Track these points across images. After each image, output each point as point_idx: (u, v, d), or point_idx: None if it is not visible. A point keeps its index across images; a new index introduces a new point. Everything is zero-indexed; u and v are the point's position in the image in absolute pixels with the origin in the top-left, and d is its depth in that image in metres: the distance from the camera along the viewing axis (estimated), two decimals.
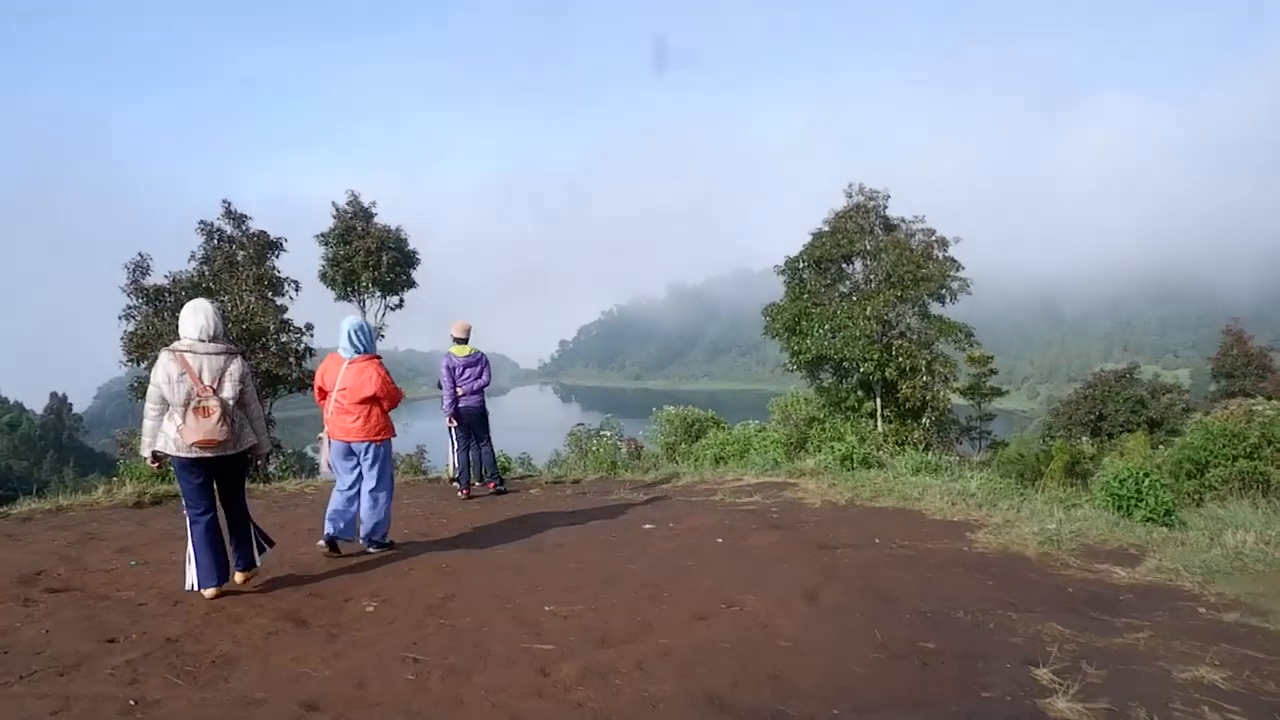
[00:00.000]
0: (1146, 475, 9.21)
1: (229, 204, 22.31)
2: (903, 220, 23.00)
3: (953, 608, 4.66)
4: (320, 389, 6.05)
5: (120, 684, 3.59)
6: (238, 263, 21.53)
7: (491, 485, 9.00)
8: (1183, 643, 4.13)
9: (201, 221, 21.99)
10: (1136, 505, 8.97)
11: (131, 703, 3.40)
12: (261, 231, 22.40)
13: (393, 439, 6.16)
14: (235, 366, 4.83)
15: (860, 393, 22.12)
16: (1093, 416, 29.13)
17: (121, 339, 19.96)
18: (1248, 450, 13.79)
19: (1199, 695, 3.50)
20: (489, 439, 9.03)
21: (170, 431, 4.67)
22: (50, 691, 3.51)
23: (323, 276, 24.43)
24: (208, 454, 4.70)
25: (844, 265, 23.06)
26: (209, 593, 4.82)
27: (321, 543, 5.99)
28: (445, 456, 11.38)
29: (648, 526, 7.07)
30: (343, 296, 24.68)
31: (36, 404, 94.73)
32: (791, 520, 7.31)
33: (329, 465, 6.12)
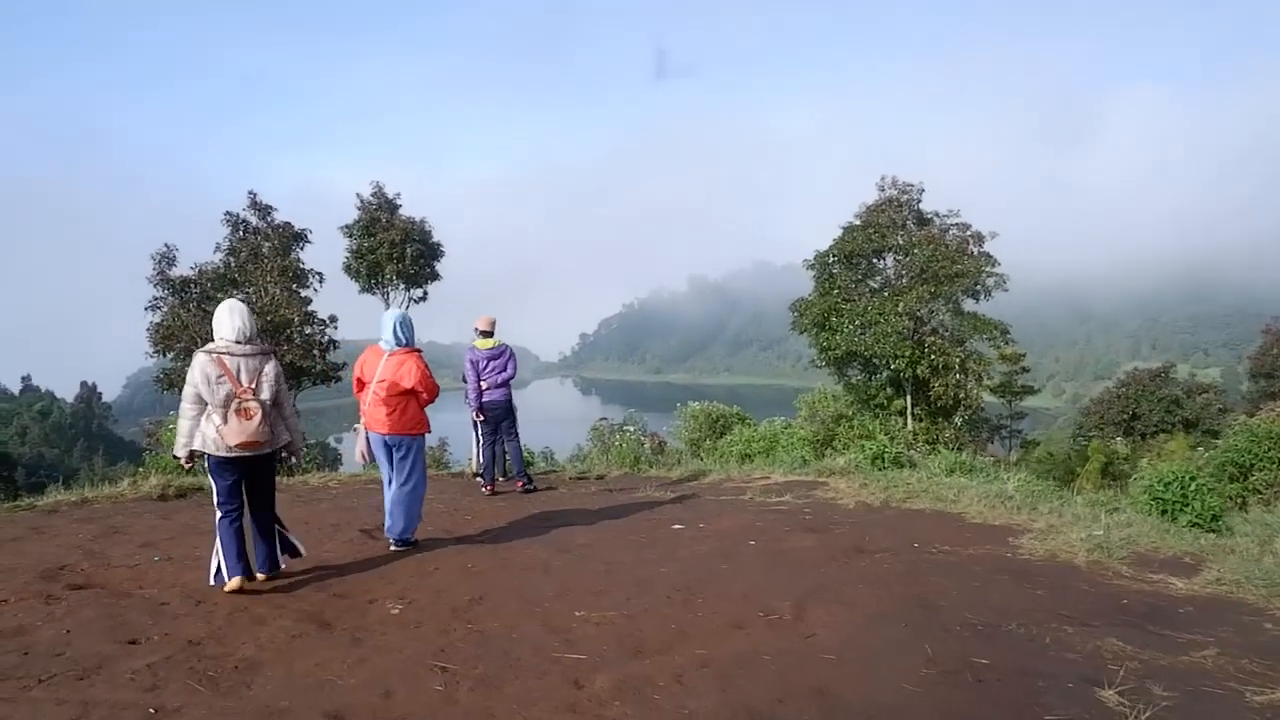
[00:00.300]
0: (1193, 479, 8.95)
1: (255, 195, 22.25)
2: (936, 214, 22.57)
3: (1003, 619, 4.43)
4: (359, 380, 6.04)
5: (140, 689, 3.46)
6: (263, 254, 21.46)
7: (520, 484, 8.82)
8: (1252, 661, 3.89)
9: (227, 213, 21.93)
10: (1182, 510, 8.71)
11: (151, 710, 3.27)
12: (286, 223, 22.32)
13: (428, 434, 6.14)
14: (270, 368, 4.92)
15: (890, 390, 21.74)
16: (1126, 416, 28.51)
17: (147, 330, 19.98)
18: None
19: None
20: (516, 434, 8.86)
21: (210, 432, 4.72)
22: (69, 696, 3.39)
23: (347, 268, 24.31)
24: (247, 454, 4.79)
25: (875, 260, 22.69)
26: (234, 583, 4.81)
27: (393, 546, 5.98)
28: (468, 450, 11.29)
29: (677, 527, 6.88)
30: (367, 289, 24.56)
31: (67, 393, 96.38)
32: (825, 522, 7.09)
33: (363, 456, 6.11)
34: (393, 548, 5.99)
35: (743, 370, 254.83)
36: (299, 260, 22.28)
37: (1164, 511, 8.80)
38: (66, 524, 6.93)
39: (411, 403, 5.92)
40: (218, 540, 4.90)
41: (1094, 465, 18.60)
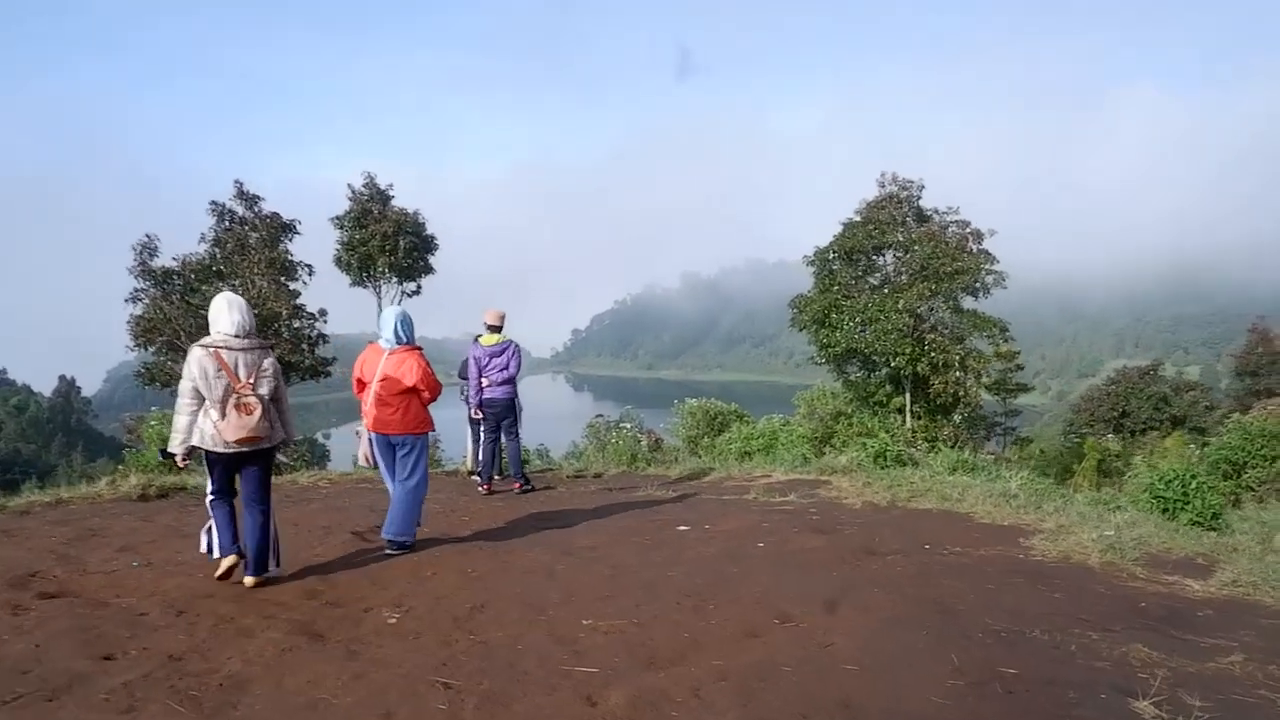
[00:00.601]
0: (1194, 477, 8.84)
1: (241, 184, 21.85)
2: (936, 211, 22.39)
3: (1024, 625, 4.26)
4: (359, 380, 5.92)
5: (116, 711, 3.22)
6: (250, 245, 21.08)
7: (517, 485, 8.59)
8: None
9: (212, 202, 21.50)
10: (1183, 508, 8.60)
11: None
12: (274, 213, 21.92)
13: (431, 432, 6.02)
14: (269, 363, 4.88)
15: (889, 388, 21.58)
16: (1116, 413, 28.55)
17: (128, 323, 19.57)
18: None
19: None
20: (516, 434, 8.61)
21: (207, 428, 4.67)
22: None
23: (337, 261, 23.99)
24: (245, 449, 4.75)
25: (875, 257, 22.51)
26: (227, 561, 4.87)
27: (388, 549, 5.79)
28: (463, 448, 11.05)
29: (682, 528, 6.69)
30: (358, 282, 24.24)
31: (45, 387, 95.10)
32: (832, 522, 6.91)
33: (367, 458, 6.00)
34: (387, 550, 5.77)
35: (735, 367, 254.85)
36: (288, 252, 21.90)
37: (1165, 510, 8.70)
38: (39, 526, 6.64)
39: (414, 401, 5.81)
40: (210, 519, 4.94)
41: (1090, 462, 18.54)
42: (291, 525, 6.48)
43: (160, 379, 19.87)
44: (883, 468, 9.86)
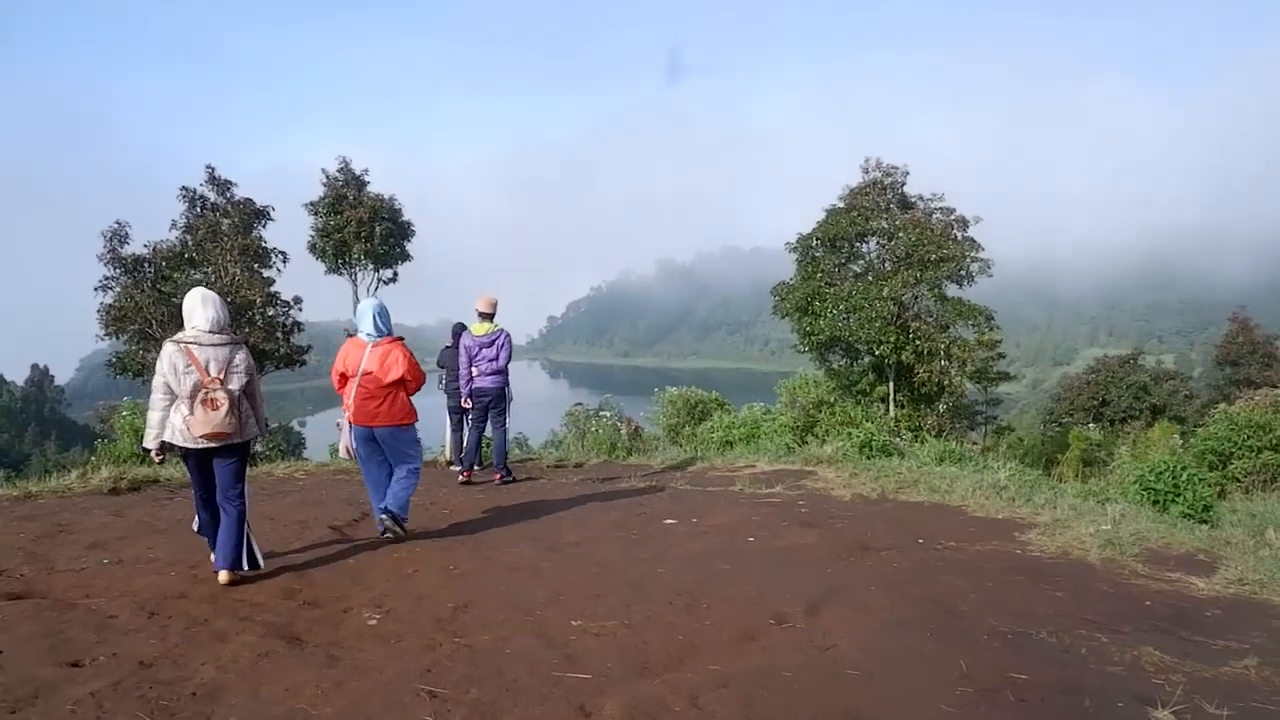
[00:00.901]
0: (1184, 469, 8.79)
1: (213, 169, 21.37)
2: (920, 198, 22.21)
3: (1030, 626, 4.14)
4: (341, 374, 5.84)
5: None
6: (222, 232, 20.63)
7: (498, 476, 8.43)
8: None
9: (184, 188, 21.02)
10: (1174, 500, 8.56)
11: None
12: (247, 199, 21.47)
13: (415, 422, 5.98)
14: (241, 357, 4.86)
15: (872, 376, 21.50)
16: (1095, 402, 28.71)
17: (98, 311, 19.09)
18: (1274, 442, 13.39)
19: None
20: (504, 424, 8.44)
21: (177, 423, 4.69)
22: None
23: (312, 248, 23.58)
24: (214, 445, 4.74)
25: (857, 244, 22.32)
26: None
27: (385, 522, 5.78)
28: (441, 438, 10.84)
29: (669, 521, 6.53)
30: (333, 269, 23.85)
31: (17, 375, 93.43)
32: (823, 515, 6.79)
33: (349, 450, 5.95)
34: (383, 525, 5.77)
35: (710, 354, 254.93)
36: (261, 238, 21.48)
37: (1156, 502, 8.65)
38: (6, 522, 6.38)
39: (400, 393, 5.78)
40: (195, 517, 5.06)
41: (1074, 453, 18.60)
42: (267, 520, 6.28)
43: (132, 368, 19.43)
44: (868, 458, 9.77)
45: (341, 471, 9.18)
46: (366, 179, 23.82)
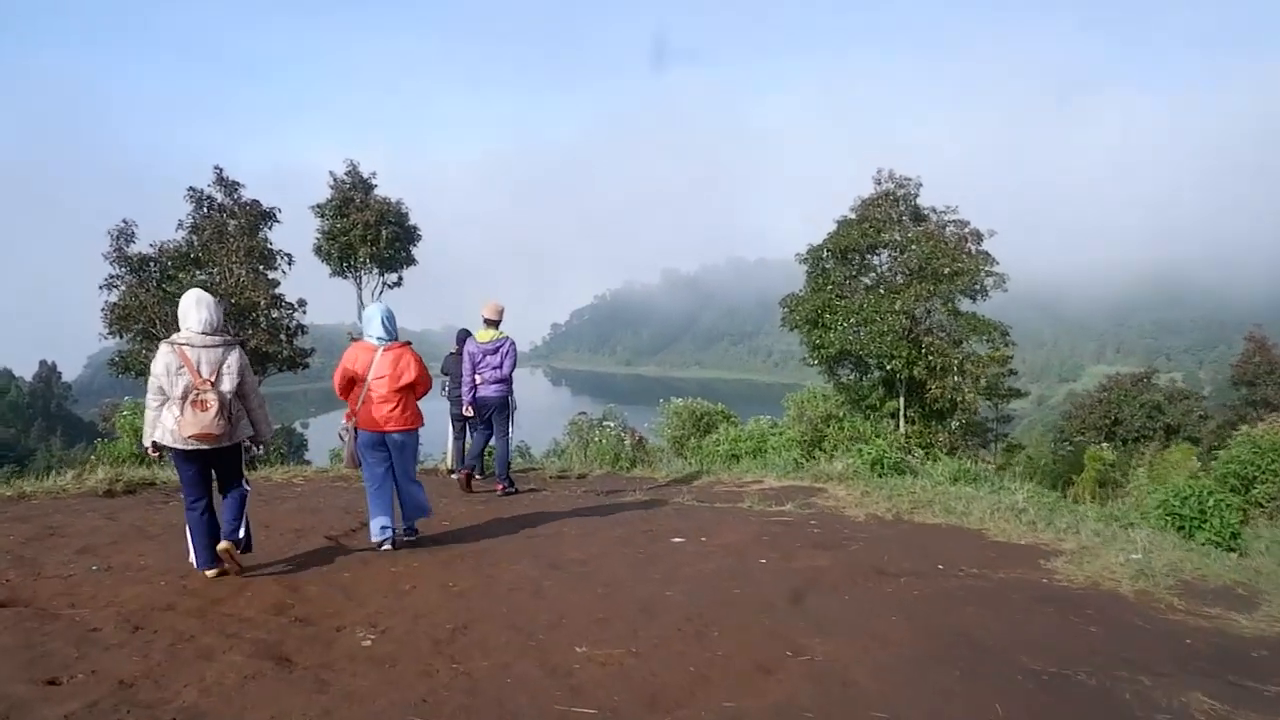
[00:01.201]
0: (1211, 494, 8.51)
1: (220, 170, 21.23)
2: (933, 210, 21.88)
3: (1066, 665, 3.88)
4: (350, 378, 5.76)
5: None
6: (228, 233, 20.46)
7: (500, 486, 8.20)
8: None
9: (191, 188, 20.88)
10: (1200, 527, 8.27)
11: None
12: (254, 200, 21.32)
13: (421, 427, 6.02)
14: (233, 358, 4.86)
15: (882, 391, 21.16)
16: (1108, 421, 28.32)
17: (102, 310, 18.93)
18: None
19: None
20: (507, 433, 8.22)
21: (168, 423, 4.72)
22: None
23: (318, 250, 23.43)
24: (204, 446, 4.74)
25: (869, 256, 22.00)
26: (210, 573, 4.90)
27: (386, 546, 5.73)
28: (443, 445, 10.64)
29: (677, 540, 6.30)
30: (338, 272, 23.69)
31: (26, 371, 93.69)
32: (836, 536, 6.54)
33: (354, 458, 5.84)
34: (405, 538, 5.87)
35: (713, 364, 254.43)
36: (267, 240, 21.32)
37: (1180, 528, 8.37)
38: None
39: (410, 397, 5.82)
40: (188, 530, 4.95)
41: (1090, 474, 18.25)
42: (263, 527, 6.06)
43: (135, 367, 19.26)
44: (880, 475, 9.52)
45: (340, 478, 8.97)
46: (374, 182, 23.68)
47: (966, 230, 20.81)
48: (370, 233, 22.52)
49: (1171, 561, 5.78)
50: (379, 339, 5.76)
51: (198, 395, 4.66)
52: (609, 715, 3.24)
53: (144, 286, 19.17)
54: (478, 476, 8.72)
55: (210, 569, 4.91)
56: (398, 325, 5.93)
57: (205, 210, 20.78)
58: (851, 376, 21.80)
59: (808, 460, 12.35)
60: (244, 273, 20.04)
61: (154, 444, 4.80)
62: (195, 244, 20.42)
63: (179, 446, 4.72)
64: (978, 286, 20.24)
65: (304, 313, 21.82)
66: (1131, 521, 8.22)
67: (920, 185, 21.53)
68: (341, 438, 5.90)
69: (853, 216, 21.70)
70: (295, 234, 22.92)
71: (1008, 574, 5.53)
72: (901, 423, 20.25)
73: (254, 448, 5.19)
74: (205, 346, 4.77)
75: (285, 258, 21.58)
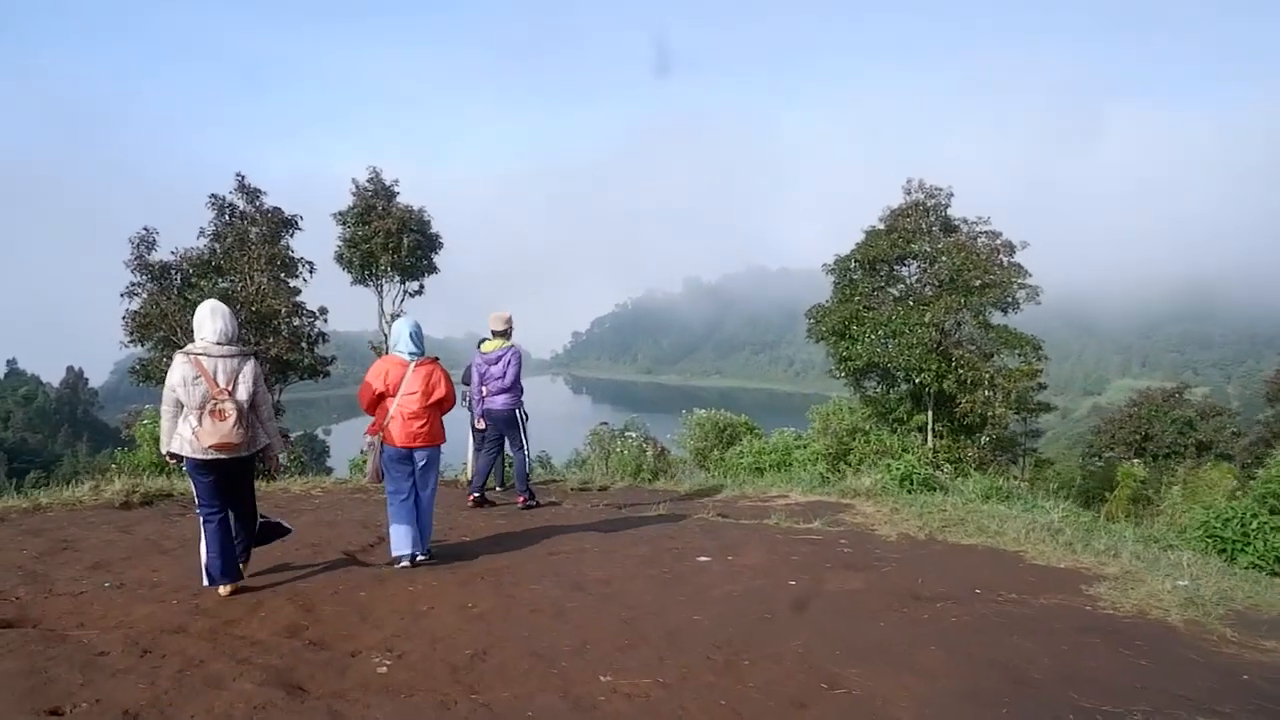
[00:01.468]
0: (1254, 516, 8.23)
1: (243, 177, 21.32)
2: (964, 221, 21.52)
3: (1118, 703, 3.65)
4: (378, 393, 5.68)
5: None
6: (250, 240, 20.53)
7: (520, 499, 8.03)
8: None
9: (212, 195, 20.97)
10: (1242, 550, 7.99)
11: None
12: (276, 208, 21.40)
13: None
14: (249, 368, 4.85)
15: (909, 404, 20.77)
16: (1138, 436, 27.72)
17: (123, 318, 19.01)
18: None
19: None
20: (522, 445, 8.02)
21: (186, 433, 4.70)
22: None
23: (339, 258, 23.45)
24: (223, 456, 4.72)
25: (897, 267, 21.71)
26: (224, 590, 4.84)
27: (405, 563, 5.61)
28: (464, 456, 10.51)
29: (703, 559, 6.10)
30: (360, 280, 23.71)
31: (53, 377, 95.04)
32: (868, 557, 6.32)
33: (378, 473, 5.76)
34: (419, 557, 5.68)
35: (734, 373, 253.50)
36: (288, 248, 21.37)
37: (1222, 550, 8.09)
38: (11, 536, 6.14)
39: (438, 414, 5.81)
40: (202, 544, 4.87)
41: (1124, 492, 17.84)
42: (277, 543, 5.92)
43: (156, 375, 19.34)
44: (909, 492, 9.28)
45: (359, 490, 8.85)
46: (396, 190, 23.69)
47: (999, 241, 20.43)
48: (392, 241, 22.52)
49: (1221, 589, 5.52)
50: (410, 354, 5.72)
51: (216, 405, 4.65)
52: None
53: (165, 294, 19.25)
54: (497, 489, 8.56)
55: (224, 583, 4.85)
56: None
57: (227, 218, 20.86)
58: (878, 389, 21.43)
59: (834, 474, 12.11)
60: (265, 280, 20.08)
61: (170, 454, 4.79)
62: (217, 251, 20.51)
63: (198, 457, 4.70)
64: (1009, 299, 19.86)
65: (325, 320, 21.86)
66: (1172, 544, 7.95)
67: (951, 195, 21.18)
68: (363, 452, 5.83)
69: (881, 227, 21.36)
70: (317, 241, 22.98)
71: (1049, 600, 5.29)
72: (930, 437, 19.88)
73: (265, 463, 5.17)
74: (221, 356, 4.77)
75: (307, 265, 21.64)
